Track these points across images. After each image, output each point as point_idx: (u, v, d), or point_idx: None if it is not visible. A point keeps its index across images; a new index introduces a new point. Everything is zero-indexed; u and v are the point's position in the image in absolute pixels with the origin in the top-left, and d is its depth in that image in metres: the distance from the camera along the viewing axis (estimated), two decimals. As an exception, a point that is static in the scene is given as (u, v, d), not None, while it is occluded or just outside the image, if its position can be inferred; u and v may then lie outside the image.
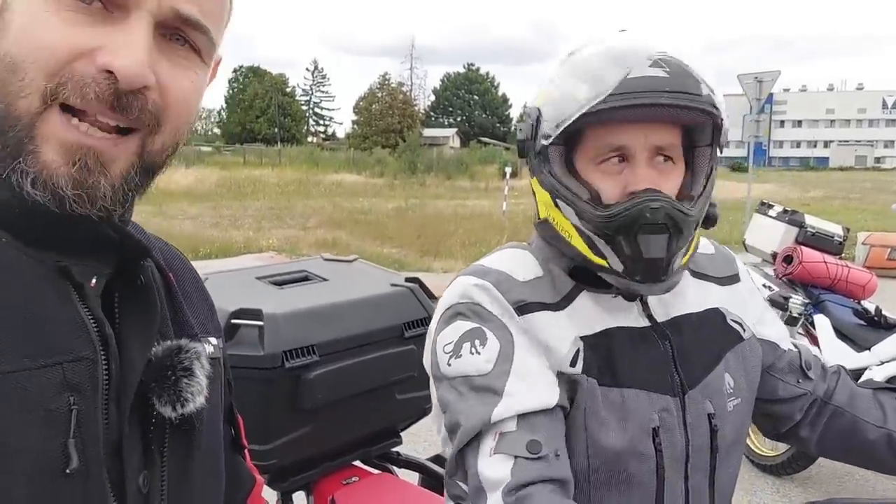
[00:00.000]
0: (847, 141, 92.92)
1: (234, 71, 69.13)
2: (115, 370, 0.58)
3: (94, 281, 0.59)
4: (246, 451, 0.83)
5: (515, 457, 0.83)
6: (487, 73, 74.29)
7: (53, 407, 0.53)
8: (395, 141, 43.07)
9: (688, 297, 1.03)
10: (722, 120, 0.92)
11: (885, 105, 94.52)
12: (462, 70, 74.13)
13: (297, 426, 1.43)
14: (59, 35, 0.53)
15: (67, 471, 0.53)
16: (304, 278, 1.60)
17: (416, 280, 1.62)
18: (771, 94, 15.44)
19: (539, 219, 1.01)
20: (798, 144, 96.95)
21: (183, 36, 0.59)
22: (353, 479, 1.62)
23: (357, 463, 1.67)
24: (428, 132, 56.16)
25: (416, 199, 19.89)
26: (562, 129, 0.91)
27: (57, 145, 0.54)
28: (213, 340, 0.68)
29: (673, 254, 0.91)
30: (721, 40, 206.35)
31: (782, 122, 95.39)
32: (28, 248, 0.56)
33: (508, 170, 18.79)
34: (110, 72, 0.54)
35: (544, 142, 0.94)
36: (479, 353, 0.90)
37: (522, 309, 0.94)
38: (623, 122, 0.90)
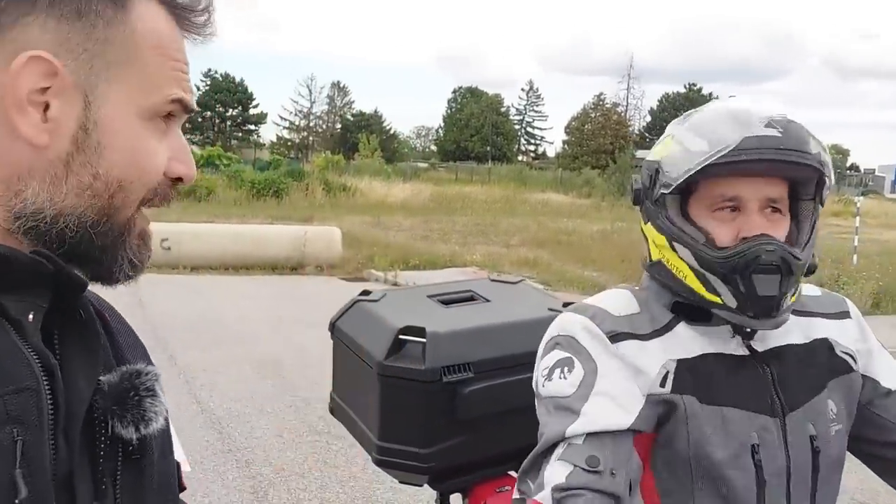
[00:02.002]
0: None
1: (454, 92, 72.41)
2: (62, 401, 0.58)
3: (31, 316, 0.60)
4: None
5: (574, 465, 0.98)
6: (710, 94, 70.65)
7: None
8: (606, 162, 42.40)
9: (789, 329, 1.10)
10: (827, 177, 1.03)
11: None
12: (682, 90, 71.38)
13: (455, 434, 1.57)
14: (159, 158, 0.64)
15: (16, 501, 0.53)
16: (470, 298, 1.74)
17: None
18: None
19: (651, 261, 1.14)
20: None
21: None
22: (507, 488, 1.72)
23: (511, 473, 1.77)
24: (641, 153, 54.50)
25: (623, 223, 19.46)
26: (685, 178, 1.03)
27: (139, 234, 0.66)
28: (158, 370, 0.70)
29: (784, 293, 1.02)
30: None
31: None
32: None
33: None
34: (181, 178, 0.66)
35: (664, 191, 1.06)
36: (565, 379, 1.05)
37: (615, 338, 1.08)
38: (737, 174, 1.02)
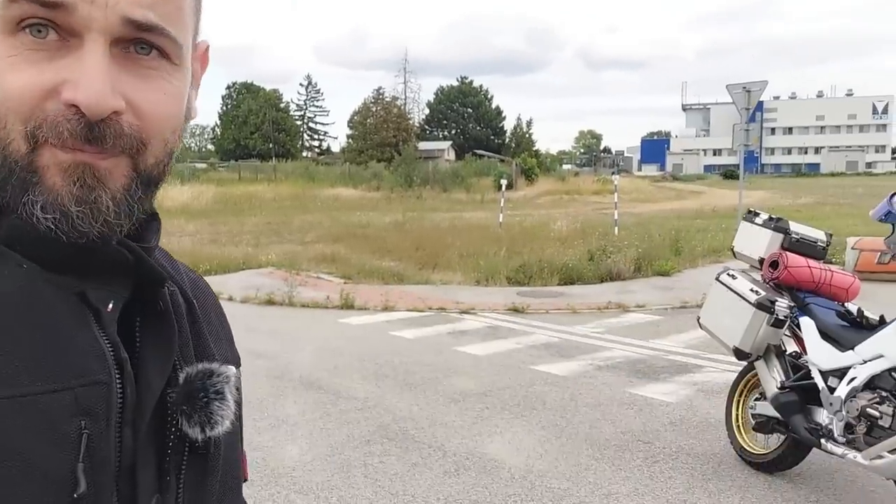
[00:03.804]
0: (838, 147, 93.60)
1: (228, 88, 69.47)
2: (130, 393, 0.58)
3: (110, 305, 0.59)
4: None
5: None
6: (481, 86, 74.78)
7: (64, 431, 0.53)
8: (391, 154, 43.25)
9: None
10: None
11: (874, 110, 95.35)
12: (456, 83, 74.64)
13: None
14: (26, 77, 0.53)
15: (75, 495, 0.52)
16: None
17: None
18: (761, 103, 15.73)
19: None
20: (789, 151, 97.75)
21: (147, 43, 0.56)
22: None
23: None
24: (423, 145, 56.38)
25: (414, 213, 20.04)
26: None
27: (57, 170, 0.54)
28: (233, 370, 0.68)
29: None
30: (714, 49, 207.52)
31: (773, 130, 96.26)
32: (47, 273, 0.56)
33: (504, 182, 19.01)
34: (76, 105, 0.53)
35: None
36: None
37: None
38: None
